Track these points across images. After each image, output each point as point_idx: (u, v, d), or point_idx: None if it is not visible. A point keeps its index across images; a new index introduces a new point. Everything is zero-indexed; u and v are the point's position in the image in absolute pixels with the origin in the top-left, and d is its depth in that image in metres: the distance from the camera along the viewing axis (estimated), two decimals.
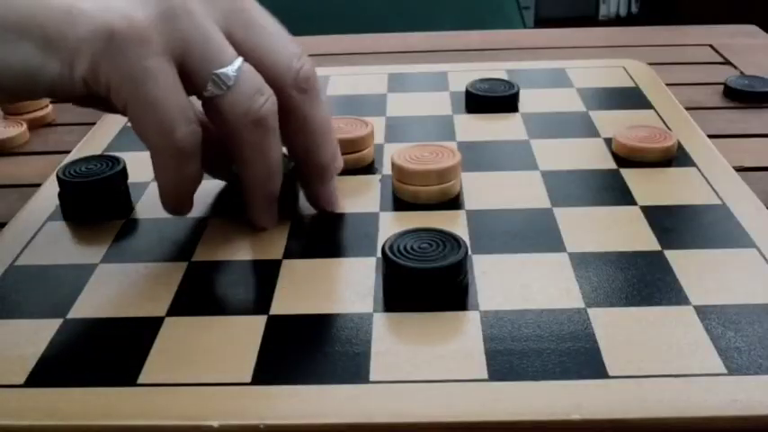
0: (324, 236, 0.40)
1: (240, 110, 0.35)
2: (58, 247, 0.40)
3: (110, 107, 0.36)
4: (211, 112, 0.36)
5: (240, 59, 0.35)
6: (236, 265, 0.37)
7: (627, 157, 0.46)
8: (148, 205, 0.43)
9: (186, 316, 0.34)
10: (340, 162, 0.41)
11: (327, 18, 1.10)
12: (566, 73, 0.60)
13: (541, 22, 2.89)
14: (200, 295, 0.35)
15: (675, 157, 0.46)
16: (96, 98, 0.35)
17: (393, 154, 0.43)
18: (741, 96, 0.57)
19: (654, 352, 0.30)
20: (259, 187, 0.38)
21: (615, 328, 0.32)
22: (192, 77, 0.35)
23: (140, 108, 0.34)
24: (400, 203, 0.42)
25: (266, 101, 0.35)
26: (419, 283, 0.34)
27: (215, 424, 0.28)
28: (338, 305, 0.34)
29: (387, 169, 0.45)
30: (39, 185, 0.46)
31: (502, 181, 0.44)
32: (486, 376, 0.29)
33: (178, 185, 0.37)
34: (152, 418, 0.28)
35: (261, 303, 0.34)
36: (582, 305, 0.33)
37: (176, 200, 0.38)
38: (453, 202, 0.42)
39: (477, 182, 0.44)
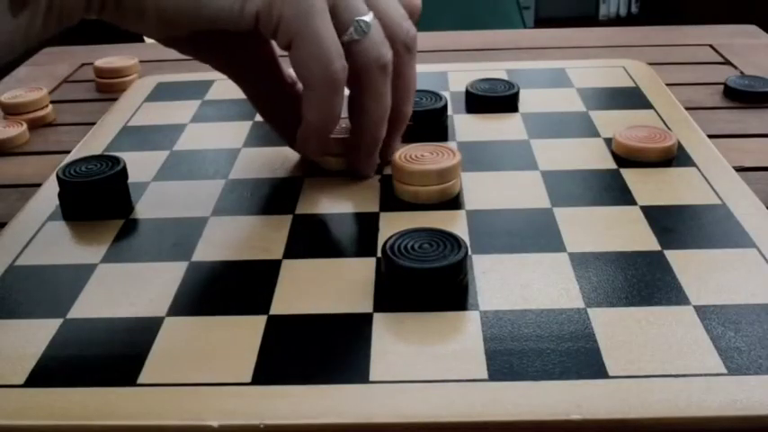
0: (324, 236, 0.40)
1: (372, 55, 0.40)
2: (58, 247, 0.40)
3: (222, 53, 0.44)
4: (346, 57, 0.39)
5: (371, 12, 0.40)
6: (236, 265, 0.37)
7: (627, 157, 0.46)
8: (148, 205, 0.43)
9: (186, 316, 0.34)
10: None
11: None
12: (566, 73, 0.60)
13: (541, 22, 2.89)
14: (200, 295, 0.35)
15: (675, 157, 0.46)
16: (225, 39, 0.41)
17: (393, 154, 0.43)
18: (741, 96, 0.57)
19: (654, 352, 0.30)
20: (370, 132, 0.42)
21: (615, 328, 0.32)
22: (336, 22, 0.39)
23: (307, 41, 0.38)
24: (400, 203, 0.42)
25: (389, 50, 0.41)
26: (419, 283, 0.34)
27: (215, 424, 0.28)
28: (338, 305, 0.34)
29: (387, 169, 0.45)
30: (39, 185, 0.46)
31: (502, 181, 0.44)
32: (486, 376, 0.29)
33: (326, 120, 0.40)
34: (152, 418, 0.28)
35: (261, 303, 0.34)
36: (582, 305, 0.33)
37: (321, 138, 0.42)
38: (453, 202, 0.42)
39: (477, 182, 0.44)
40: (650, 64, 0.62)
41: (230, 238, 0.40)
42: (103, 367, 0.31)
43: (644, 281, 0.35)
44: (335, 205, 0.42)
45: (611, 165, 0.45)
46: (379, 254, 0.36)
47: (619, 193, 0.42)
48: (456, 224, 0.40)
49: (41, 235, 0.41)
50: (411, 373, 0.30)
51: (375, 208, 0.42)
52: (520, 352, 0.30)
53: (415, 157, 0.43)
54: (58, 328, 0.33)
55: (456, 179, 0.42)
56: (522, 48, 0.71)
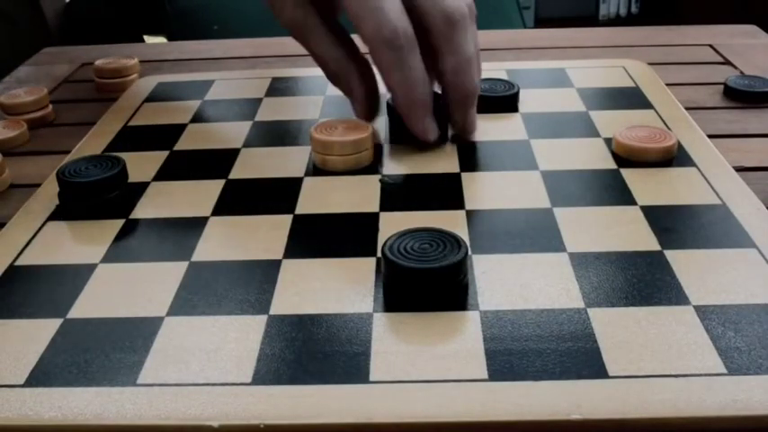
0: (324, 236, 0.40)
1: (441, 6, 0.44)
2: (58, 247, 0.40)
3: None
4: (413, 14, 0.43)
5: None
6: (236, 265, 0.37)
7: (627, 157, 0.46)
8: (148, 205, 0.43)
9: (186, 316, 0.34)
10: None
11: None
12: (566, 73, 0.60)
13: (541, 22, 2.89)
14: (200, 295, 0.35)
15: (675, 157, 0.46)
16: None
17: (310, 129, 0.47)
18: (741, 96, 0.57)
19: (654, 352, 0.30)
20: (457, 84, 0.46)
21: (615, 328, 0.32)
22: None
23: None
24: (400, 204, 0.42)
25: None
26: (419, 283, 0.34)
27: (215, 424, 0.28)
28: (338, 305, 0.34)
29: (387, 169, 0.45)
30: (39, 185, 0.46)
31: (502, 181, 0.44)
32: (486, 376, 0.29)
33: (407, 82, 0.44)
34: (152, 418, 0.28)
35: (261, 303, 0.34)
36: (582, 305, 0.33)
37: (415, 105, 0.46)
38: (453, 203, 0.42)
39: (477, 182, 0.44)
40: (650, 64, 0.62)
41: (230, 238, 0.40)
42: (103, 367, 0.31)
43: (644, 281, 0.35)
44: (335, 205, 0.42)
45: (611, 165, 0.45)
46: (379, 254, 0.36)
47: (619, 193, 0.42)
48: (456, 224, 0.40)
49: (41, 235, 0.41)
50: (411, 373, 0.30)
51: (375, 208, 0.42)
52: (520, 352, 0.30)
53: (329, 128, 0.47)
54: (58, 328, 0.33)
55: (369, 149, 0.46)
56: (522, 48, 0.71)
